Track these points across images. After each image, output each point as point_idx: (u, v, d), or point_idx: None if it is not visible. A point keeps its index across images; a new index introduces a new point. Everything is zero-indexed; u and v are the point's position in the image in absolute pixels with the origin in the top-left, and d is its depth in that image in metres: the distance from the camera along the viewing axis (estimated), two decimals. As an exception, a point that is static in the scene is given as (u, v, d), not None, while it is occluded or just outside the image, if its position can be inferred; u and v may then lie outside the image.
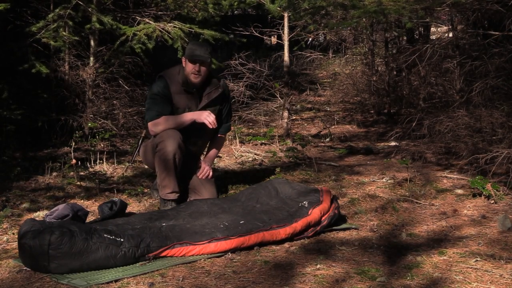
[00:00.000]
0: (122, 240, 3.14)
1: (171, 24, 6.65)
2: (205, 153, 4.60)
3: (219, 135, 4.50)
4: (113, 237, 3.14)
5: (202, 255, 3.25)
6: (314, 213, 3.59)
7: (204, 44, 4.30)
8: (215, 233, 3.33)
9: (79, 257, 3.02)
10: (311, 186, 4.29)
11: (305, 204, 3.65)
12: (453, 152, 5.53)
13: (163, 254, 3.22)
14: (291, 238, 3.51)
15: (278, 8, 6.57)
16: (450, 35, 7.20)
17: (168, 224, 3.47)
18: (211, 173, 4.36)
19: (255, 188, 4.00)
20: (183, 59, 4.23)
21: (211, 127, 4.11)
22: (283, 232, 3.46)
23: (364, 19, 6.89)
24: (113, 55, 6.89)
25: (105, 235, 3.13)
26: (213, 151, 4.53)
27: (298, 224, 3.51)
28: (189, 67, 4.15)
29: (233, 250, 3.29)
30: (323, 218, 3.65)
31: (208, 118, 4.10)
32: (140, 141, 4.52)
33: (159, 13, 7.42)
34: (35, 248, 3.01)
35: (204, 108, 4.22)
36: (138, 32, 6.52)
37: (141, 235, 3.22)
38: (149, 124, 4.12)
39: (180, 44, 6.50)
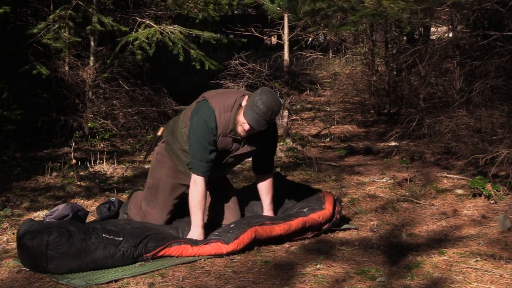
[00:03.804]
0: (121, 239, 3.14)
1: (171, 27, 6.66)
2: (261, 198, 3.79)
3: (269, 176, 3.72)
4: (112, 236, 3.13)
5: (199, 256, 3.25)
6: (312, 216, 3.57)
7: (274, 104, 3.37)
8: (210, 237, 3.37)
9: (77, 257, 3.02)
10: (311, 186, 4.28)
11: (304, 210, 3.63)
12: (453, 152, 5.53)
13: (161, 253, 3.21)
14: (286, 236, 3.48)
15: (278, 9, 6.57)
16: (450, 35, 7.20)
17: (170, 231, 3.50)
18: None
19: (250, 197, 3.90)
20: (245, 100, 3.43)
21: None
22: (278, 228, 3.43)
23: (364, 20, 6.89)
24: (115, 58, 6.89)
25: (103, 235, 3.12)
26: (270, 197, 3.75)
27: (294, 222, 3.49)
28: (243, 119, 3.38)
29: (230, 254, 3.29)
30: (325, 226, 3.63)
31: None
32: (155, 141, 3.79)
33: (159, 13, 7.43)
34: (34, 249, 3.01)
35: (244, 155, 3.61)
36: (139, 37, 6.51)
37: (141, 235, 3.22)
38: (196, 177, 3.41)
39: (180, 47, 6.50)
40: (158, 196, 3.62)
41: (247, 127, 3.38)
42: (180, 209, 3.68)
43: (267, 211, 3.73)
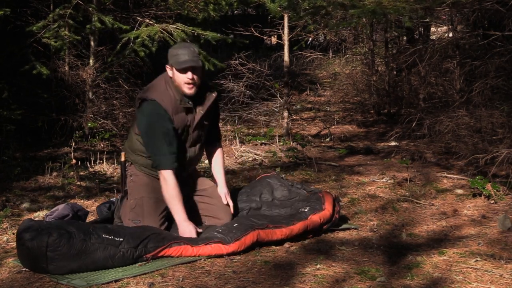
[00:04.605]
0: (121, 239, 3.13)
1: (173, 26, 6.66)
2: (214, 173, 3.83)
3: (218, 147, 3.83)
4: (112, 236, 3.12)
5: (199, 256, 3.25)
6: (313, 218, 3.56)
7: (189, 45, 3.56)
8: (211, 237, 3.33)
9: (77, 258, 3.01)
10: (311, 186, 4.28)
11: (305, 210, 3.63)
12: (453, 152, 5.54)
13: (161, 254, 3.21)
14: (287, 239, 3.48)
15: (279, 8, 6.57)
16: (450, 35, 7.21)
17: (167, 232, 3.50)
18: (230, 202, 3.72)
19: (250, 194, 3.91)
20: (168, 68, 3.50)
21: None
22: (279, 232, 3.43)
23: (364, 19, 6.89)
24: (115, 57, 6.90)
25: (103, 235, 3.11)
26: (222, 171, 3.80)
27: (295, 227, 3.48)
28: (179, 77, 3.43)
29: (230, 255, 3.28)
30: (324, 226, 3.63)
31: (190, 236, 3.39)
32: (123, 167, 3.76)
33: (159, 13, 7.43)
34: (33, 250, 3.00)
35: (201, 121, 3.57)
36: (140, 34, 6.52)
37: (141, 236, 3.21)
38: (164, 173, 3.41)
39: None
40: (144, 214, 3.53)
41: (189, 75, 3.40)
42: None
43: (221, 184, 3.73)
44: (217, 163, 3.80)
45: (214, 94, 3.61)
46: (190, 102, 3.50)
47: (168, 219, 3.59)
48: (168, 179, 3.40)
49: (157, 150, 3.41)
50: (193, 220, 3.51)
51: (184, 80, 3.41)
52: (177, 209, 3.42)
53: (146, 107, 3.45)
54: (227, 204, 3.68)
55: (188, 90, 3.43)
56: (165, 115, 3.40)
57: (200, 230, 3.46)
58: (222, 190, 3.72)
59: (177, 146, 3.46)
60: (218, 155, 3.81)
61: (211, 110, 3.64)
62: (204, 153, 3.85)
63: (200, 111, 3.54)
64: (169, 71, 3.49)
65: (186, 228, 3.40)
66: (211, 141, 3.78)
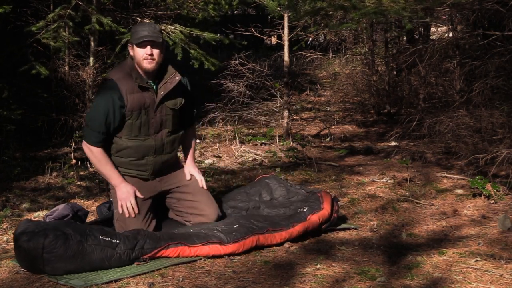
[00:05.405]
0: (117, 241, 3.11)
1: (171, 27, 6.67)
2: (183, 155, 3.91)
3: (189, 129, 3.83)
4: (109, 238, 3.11)
5: (197, 256, 3.24)
6: (312, 219, 3.56)
7: (150, 23, 3.67)
8: (210, 236, 3.30)
9: (74, 260, 2.99)
10: (310, 187, 4.28)
11: (304, 210, 3.63)
12: (453, 152, 5.54)
13: (158, 255, 3.19)
14: (286, 241, 3.48)
15: (278, 8, 6.57)
16: (450, 35, 7.21)
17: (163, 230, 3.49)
18: (204, 183, 3.74)
19: (249, 194, 3.93)
20: (129, 47, 3.51)
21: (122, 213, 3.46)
22: (279, 236, 3.43)
23: (364, 19, 6.89)
24: (115, 58, 6.90)
25: (100, 237, 3.10)
26: (191, 149, 3.84)
27: (295, 230, 3.48)
28: (138, 53, 3.42)
29: (228, 255, 3.27)
30: (323, 226, 3.63)
31: (123, 204, 3.43)
32: None
33: (159, 13, 7.43)
34: (30, 252, 2.99)
35: (162, 103, 3.51)
36: None
37: (137, 237, 3.20)
38: (85, 145, 3.49)
39: (181, 49, 6.52)
40: (127, 225, 3.44)
41: (148, 49, 3.39)
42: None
43: (188, 161, 3.77)
44: (186, 142, 3.82)
45: (177, 77, 3.52)
46: (149, 82, 3.48)
47: (154, 219, 3.57)
48: (93, 151, 3.47)
49: (92, 123, 3.45)
50: (172, 219, 3.63)
51: (143, 56, 3.41)
52: (111, 175, 3.48)
53: (103, 85, 3.57)
54: (202, 187, 3.69)
55: (147, 64, 3.42)
56: (115, 98, 3.40)
57: (140, 196, 3.46)
58: (191, 170, 3.74)
59: (114, 130, 3.46)
60: (188, 136, 3.80)
61: (177, 95, 3.57)
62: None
63: (161, 93, 3.49)
64: (130, 50, 3.49)
65: (124, 189, 3.44)
66: (184, 126, 3.73)
